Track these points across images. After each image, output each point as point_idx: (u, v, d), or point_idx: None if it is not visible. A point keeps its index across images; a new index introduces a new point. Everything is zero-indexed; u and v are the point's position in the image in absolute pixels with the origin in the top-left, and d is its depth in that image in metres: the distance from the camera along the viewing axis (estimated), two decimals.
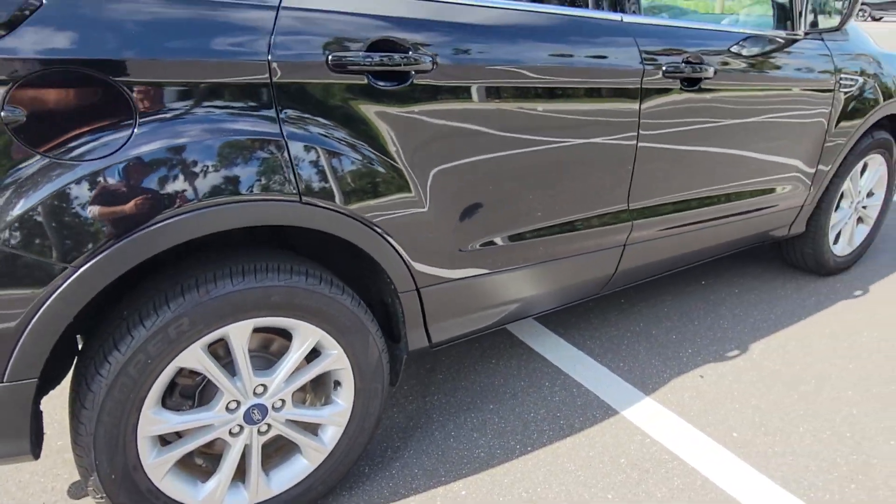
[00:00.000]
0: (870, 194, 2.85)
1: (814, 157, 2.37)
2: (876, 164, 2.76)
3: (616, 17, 1.70)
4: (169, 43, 1.09)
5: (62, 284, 1.05)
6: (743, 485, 1.63)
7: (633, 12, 1.75)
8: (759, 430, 1.84)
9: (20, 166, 1.01)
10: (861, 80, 2.43)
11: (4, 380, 1.08)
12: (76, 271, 1.06)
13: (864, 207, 2.85)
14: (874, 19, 27.00)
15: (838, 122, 2.39)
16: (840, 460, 1.73)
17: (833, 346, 2.28)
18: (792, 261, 2.84)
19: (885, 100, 2.55)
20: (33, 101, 1.00)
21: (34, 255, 1.03)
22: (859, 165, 2.66)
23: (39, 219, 1.03)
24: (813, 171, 2.40)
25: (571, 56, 1.58)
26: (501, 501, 1.58)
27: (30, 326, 1.06)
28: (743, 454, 1.74)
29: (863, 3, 26.90)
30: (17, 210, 1.02)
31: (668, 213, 1.99)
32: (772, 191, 2.31)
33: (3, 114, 0.98)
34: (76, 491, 1.59)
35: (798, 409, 1.94)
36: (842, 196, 2.68)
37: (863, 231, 2.90)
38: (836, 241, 2.76)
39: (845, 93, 2.37)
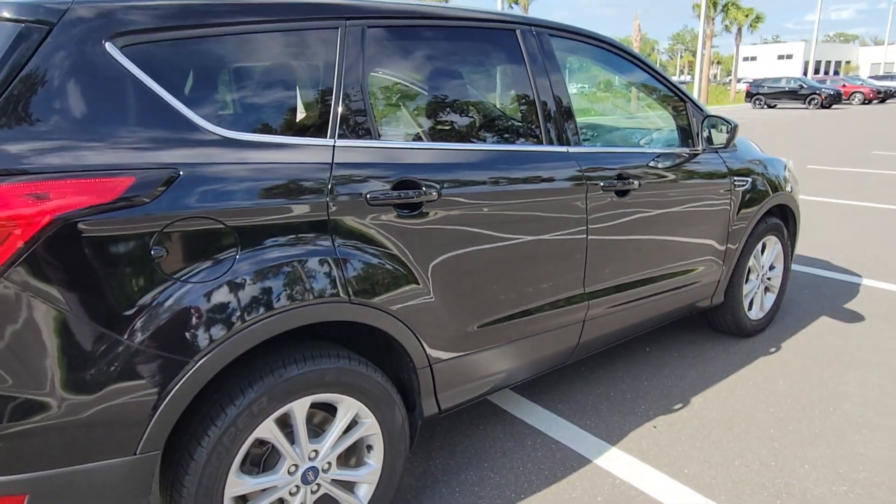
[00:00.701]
0: (772, 267, 3.48)
1: (723, 239, 2.96)
2: (772, 243, 3.40)
3: (563, 149, 2.25)
4: (265, 197, 1.52)
5: (189, 373, 1.40)
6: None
7: (575, 143, 2.31)
8: (704, 465, 2.27)
9: (161, 287, 1.39)
10: (751, 179, 3.09)
11: (137, 453, 1.39)
12: (197, 364, 1.41)
13: (768, 279, 3.47)
14: (769, 107, 30.26)
15: (738, 210, 3.01)
16: (768, 483, 2.16)
17: (756, 394, 2.78)
18: (717, 326, 3.38)
19: (773, 192, 3.22)
20: (171, 241, 1.40)
21: (167, 353, 1.39)
22: (759, 245, 3.29)
23: (171, 324, 1.39)
24: (724, 250, 2.99)
25: (535, 177, 2.11)
26: None
27: (160, 409, 1.39)
28: (693, 485, 2.16)
29: (759, 94, 30.18)
30: (157, 319, 1.38)
31: (615, 293, 2.49)
32: (694, 269, 2.86)
33: (152, 252, 1.37)
34: None
35: (733, 446, 2.39)
36: (749, 271, 3.28)
37: (770, 298, 3.50)
38: (750, 308, 3.34)
39: (741, 189, 3.01)
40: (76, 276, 1.31)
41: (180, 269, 1.42)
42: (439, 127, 2.13)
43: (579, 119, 2.42)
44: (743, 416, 2.60)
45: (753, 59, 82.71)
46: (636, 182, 2.42)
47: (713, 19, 36.53)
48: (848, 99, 31.32)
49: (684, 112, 2.83)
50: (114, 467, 1.39)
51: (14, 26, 1.37)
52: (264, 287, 1.51)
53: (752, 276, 3.33)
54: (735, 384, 2.88)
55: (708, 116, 2.81)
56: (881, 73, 53.26)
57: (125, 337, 1.36)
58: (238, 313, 1.47)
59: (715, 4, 35.97)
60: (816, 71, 74.82)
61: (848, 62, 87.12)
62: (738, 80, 45.73)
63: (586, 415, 2.62)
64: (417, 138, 2.04)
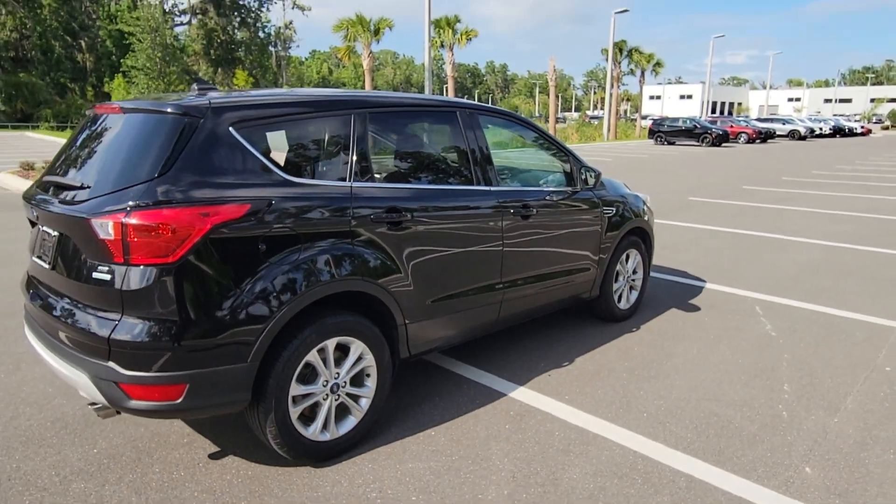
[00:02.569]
0: (635, 272, 4.83)
1: (596, 250, 4.26)
2: (634, 254, 4.76)
3: (486, 188, 3.46)
4: (315, 215, 2.61)
5: (278, 315, 2.45)
6: (575, 418, 3.24)
7: (497, 183, 3.52)
8: (577, 393, 3.49)
9: (263, 266, 2.44)
10: (616, 208, 4.42)
11: (248, 361, 2.42)
12: (282, 310, 2.46)
13: (633, 280, 4.82)
14: (669, 143, 33.43)
15: (606, 231, 4.33)
16: (616, 401, 3.40)
17: (618, 355, 4.06)
18: (597, 314, 4.68)
19: (634, 218, 4.58)
20: (269, 240, 2.46)
21: (268, 304, 2.43)
22: (624, 256, 4.63)
23: (269, 287, 2.44)
24: (597, 258, 4.29)
25: (470, 206, 3.29)
26: (440, 442, 3.04)
27: (262, 335, 2.43)
28: (568, 403, 3.36)
29: (660, 132, 33.28)
30: (262, 283, 2.43)
31: (523, 283, 3.70)
32: (577, 270, 4.13)
33: (259, 246, 2.44)
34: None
35: (597, 384, 3.62)
36: (618, 273, 4.61)
37: (634, 294, 4.85)
38: (619, 301, 4.66)
39: (608, 216, 4.33)
40: (222, 257, 2.34)
41: (273, 256, 2.48)
42: (410, 173, 3.30)
43: (499, 166, 3.66)
44: (607, 368, 3.86)
45: (658, 97, 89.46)
46: (535, 210, 3.67)
47: (619, 62, 40.05)
48: (735, 138, 35.18)
49: (567, 162, 4.13)
50: (235, 370, 2.41)
51: (177, 118, 2.41)
52: (318, 268, 2.59)
53: (620, 278, 4.66)
54: (606, 350, 4.15)
55: (583, 166, 4.13)
56: (766, 114, 59.58)
57: (245, 292, 2.40)
58: (304, 282, 2.54)
59: (621, 50, 39.52)
60: (713, 111, 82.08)
61: (740, 103, 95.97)
62: (644, 118, 49.95)
63: (505, 370, 3.80)
64: (398, 180, 3.20)
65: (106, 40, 54.51)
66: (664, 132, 33.45)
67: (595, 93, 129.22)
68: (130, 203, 2.25)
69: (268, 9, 61.60)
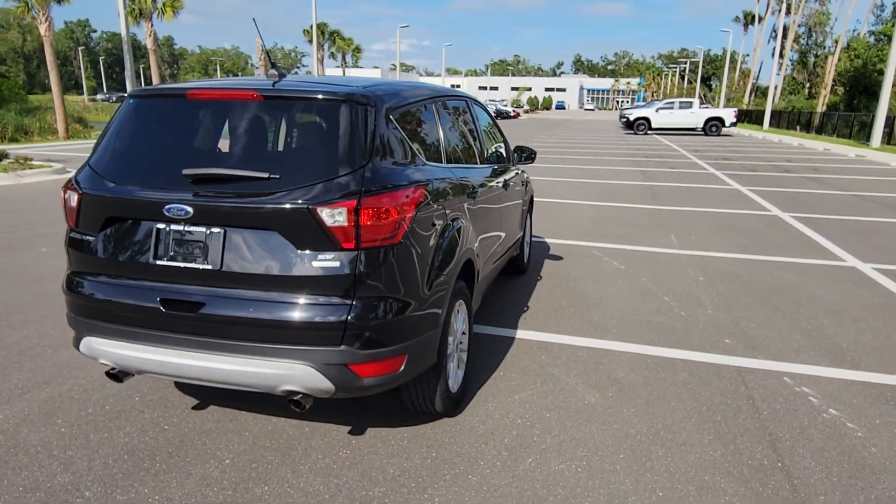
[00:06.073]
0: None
1: (525, 212, 5.26)
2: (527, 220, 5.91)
3: (491, 165, 4.15)
4: (453, 194, 3.03)
5: (454, 278, 2.84)
6: (570, 340, 4.22)
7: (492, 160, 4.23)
8: (561, 326, 4.48)
9: (440, 233, 2.81)
10: (526, 178, 5.48)
11: (439, 327, 2.76)
12: (457, 273, 2.86)
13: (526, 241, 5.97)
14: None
15: (531, 198, 5.37)
16: (584, 325, 4.51)
17: (554, 296, 5.16)
18: (515, 268, 5.70)
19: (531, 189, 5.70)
20: (437, 215, 2.83)
21: (450, 268, 2.81)
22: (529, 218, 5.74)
23: (448, 254, 2.82)
24: (526, 220, 5.30)
25: (490, 177, 3.96)
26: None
27: (447, 301, 2.79)
28: (562, 332, 4.34)
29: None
30: (441, 252, 2.79)
31: (505, 241, 4.49)
32: (514, 231, 5.07)
33: (433, 223, 2.79)
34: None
35: (562, 316, 4.67)
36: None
37: (527, 251, 6.02)
38: (528, 258, 5.77)
39: (527, 183, 5.36)
40: (417, 235, 2.63)
41: (440, 231, 2.83)
42: (466, 152, 3.81)
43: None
44: (552, 305, 4.93)
45: None
46: (483, 181, 4.49)
47: (323, 45, 40.99)
48: None
49: (502, 143, 5.01)
50: (434, 335, 2.75)
51: (354, 106, 2.55)
52: (461, 238, 3.05)
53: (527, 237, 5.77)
54: (540, 294, 5.22)
55: (517, 146, 5.06)
56: None
57: (432, 265, 2.73)
58: (459, 251, 2.97)
59: (323, 33, 40.46)
60: None
61: None
62: None
63: (497, 322, 4.55)
64: (467, 160, 3.70)
65: None
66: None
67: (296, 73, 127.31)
68: (357, 189, 2.38)
69: None
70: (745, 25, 65.25)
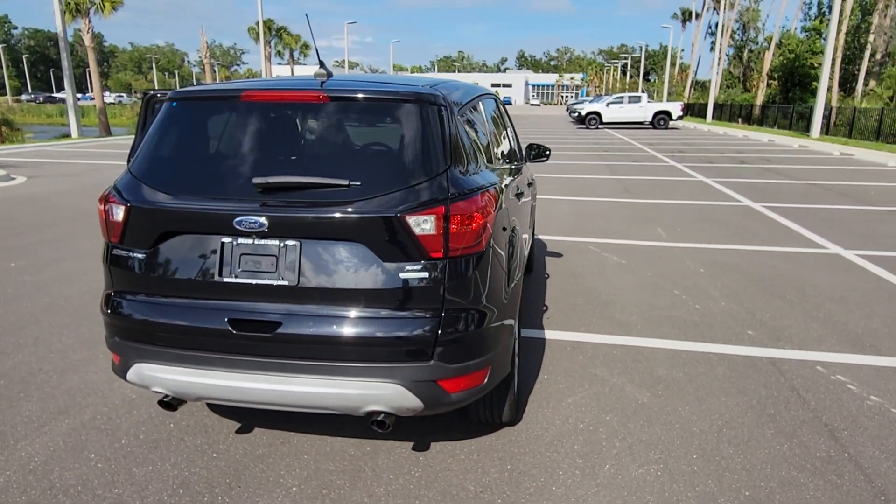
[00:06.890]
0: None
1: (533, 209, 5.21)
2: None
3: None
4: (510, 195, 2.92)
5: (518, 289, 2.73)
6: (595, 339, 4.19)
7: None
8: (582, 324, 4.45)
9: (507, 251, 2.70)
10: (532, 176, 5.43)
11: (515, 335, 2.65)
12: (520, 283, 2.75)
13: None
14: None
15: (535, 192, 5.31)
16: (602, 322, 4.49)
17: (567, 292, 5.13)
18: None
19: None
20: (501, 216, 2.72)
21: (516, 268, 2.70)
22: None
23: (516, 266, 2.71)
24: (531, 207, 5.25)
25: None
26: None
27: (518, 310, 2.68)
28: (588, 331, 4.30)
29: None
30: (514, 257, 2.68)
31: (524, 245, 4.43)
32: (530, 230, 5.01)
33: (505, 226, 2.67)
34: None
35: (581, 314, 4.64)
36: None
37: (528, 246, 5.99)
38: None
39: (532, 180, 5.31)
40: (497, 240, 2.53)
41: (507, 236, 2.73)
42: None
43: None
44: (568, 303, 4.90)
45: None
46: (510, 176, 4.42)
47: (270, 42, 39.88)
48: None
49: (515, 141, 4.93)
50: (510, 345, 2.63)
51: (429, 107, 2.41)
52: (519, 241, 2.93)
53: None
54: (553, 291, 5.17)
55: (529, 144, 4.99)
56: None
57: (507, 272, 2.63)
58: (521, 255, 2.85)
59: (270, 29, 39.37)
60: None
61: None
62: None
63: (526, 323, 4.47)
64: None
65: None
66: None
67: (219, 70, 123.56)
68: (444, 195, 2.24)
69: None
70: (683, 22, 67.56)
